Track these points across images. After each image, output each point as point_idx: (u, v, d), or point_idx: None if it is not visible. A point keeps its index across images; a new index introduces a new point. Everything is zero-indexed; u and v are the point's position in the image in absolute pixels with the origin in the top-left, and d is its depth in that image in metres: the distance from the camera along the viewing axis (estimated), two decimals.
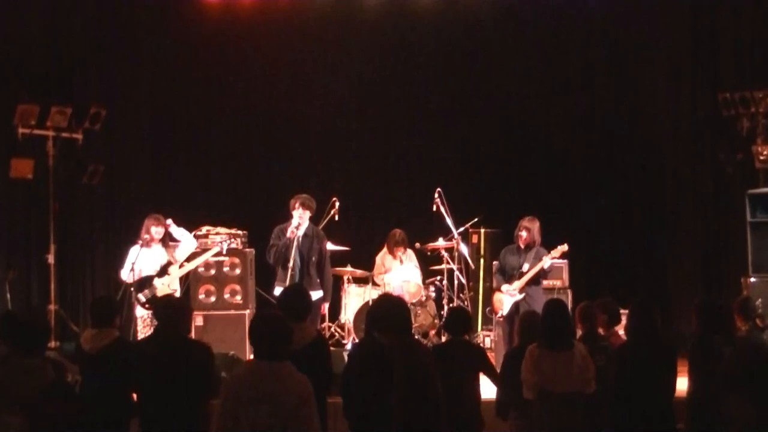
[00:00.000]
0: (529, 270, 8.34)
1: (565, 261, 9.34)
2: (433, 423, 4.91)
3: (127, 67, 10.84)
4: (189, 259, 8.67)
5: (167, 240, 8.61)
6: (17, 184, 9.87)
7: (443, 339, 8.54)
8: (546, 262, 8.32)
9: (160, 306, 5.74)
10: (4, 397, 4.62)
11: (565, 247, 8.45)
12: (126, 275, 8.28)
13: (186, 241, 8.56)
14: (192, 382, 5.04)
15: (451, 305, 9.26)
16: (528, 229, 8.47)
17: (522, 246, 8.48)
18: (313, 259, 8.72)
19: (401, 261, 9.80)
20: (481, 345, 9.37)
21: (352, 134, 11.27)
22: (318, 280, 8.56)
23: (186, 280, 8.85)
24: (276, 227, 8.88)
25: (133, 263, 8.22)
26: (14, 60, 10.30)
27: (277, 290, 8.20)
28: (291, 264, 8.59)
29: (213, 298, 9.09)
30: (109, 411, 5.31)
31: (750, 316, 6.62)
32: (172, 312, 5.34)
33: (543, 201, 10.77)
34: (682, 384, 5.69)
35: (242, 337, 8.54)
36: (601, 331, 6.16)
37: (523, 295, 8.38)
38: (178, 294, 8.20)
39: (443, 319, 6.35)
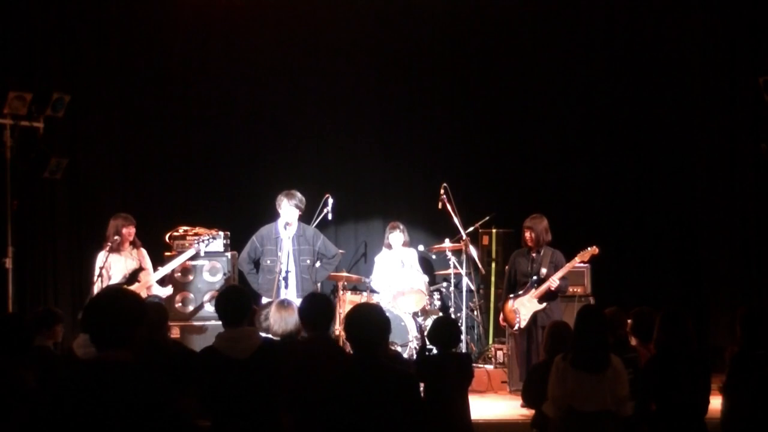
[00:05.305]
0: (546, 277, 8.37)
1: (587, 265, 9.35)
2: None
3: (94, 48, 10.81)
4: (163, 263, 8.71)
5: (138, 243, 8.63)
6: None
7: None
8: (554, 282, 8.32)
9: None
10: None
11: (595, 250, 8.43)
12: (96, 283, 8.30)
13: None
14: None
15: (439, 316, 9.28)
16: (530, 229, 8.50)
17: (530, 247, 8.52)
18: (308, 261, 8.77)
19: (402, 262, 9.83)
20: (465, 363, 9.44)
21: (347, 122, 11.23)
22: (318, 284, 8.90)
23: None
24: (256, 233, 8.91)
25: (101, 268, 8.25)
26: None
27: (264, 300, 8.22)
28: (278, 268, 8.62)
29: (191, 307, 9.11)
30: None
31: None
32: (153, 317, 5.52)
33: (561, 198, 10.79)
34: (717, 403, 5.72)
35: None
36: (631, 341, 6.21)
37: (544, 305, 8.42)
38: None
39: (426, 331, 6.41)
